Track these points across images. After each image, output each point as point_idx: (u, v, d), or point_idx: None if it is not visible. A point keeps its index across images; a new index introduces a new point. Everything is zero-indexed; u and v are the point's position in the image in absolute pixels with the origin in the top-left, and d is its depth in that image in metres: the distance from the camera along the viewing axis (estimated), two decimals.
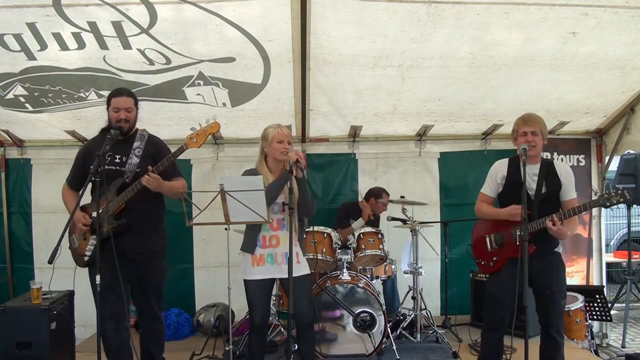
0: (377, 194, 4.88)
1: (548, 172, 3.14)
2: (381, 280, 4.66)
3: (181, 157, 5.24)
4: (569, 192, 3.15)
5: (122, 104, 3.16)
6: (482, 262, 3.36)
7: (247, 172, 3.21)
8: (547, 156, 5.20)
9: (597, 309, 4.52)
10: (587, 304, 4.44)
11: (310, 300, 3.23)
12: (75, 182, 3.25)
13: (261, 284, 3.12)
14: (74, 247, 3.25)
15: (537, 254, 3.09)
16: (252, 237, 3.14)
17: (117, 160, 3.16)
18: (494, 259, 3.27)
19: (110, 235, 2.96)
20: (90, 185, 2.91)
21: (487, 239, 3.31)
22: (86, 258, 3.14)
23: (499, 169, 3.29)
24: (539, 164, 3.17)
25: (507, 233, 3.21)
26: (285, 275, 3.05)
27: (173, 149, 4.69)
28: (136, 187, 3.05)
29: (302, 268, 3.18)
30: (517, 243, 3.09)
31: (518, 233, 3.12)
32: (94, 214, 3.07)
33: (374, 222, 4.88)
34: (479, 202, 3.38)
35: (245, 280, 3.15)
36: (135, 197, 3.09)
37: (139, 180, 3.02)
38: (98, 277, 2.78)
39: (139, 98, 4.10)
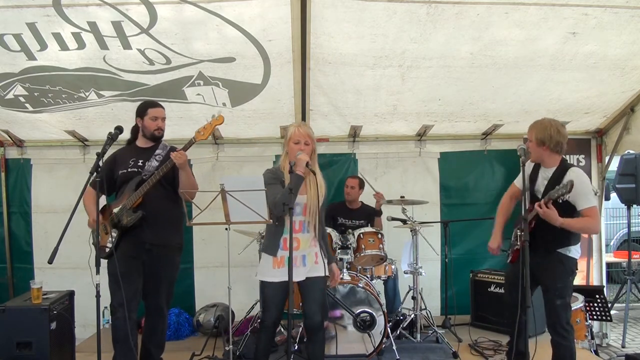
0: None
1: (556, 177, 3.14)
2: (382, 280, 4.65)
3: None
4: (579, 201, 3.07)
5: (159, 113, 3.51)
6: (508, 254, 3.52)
7: (269, 171, 3.17)
8: None
9: (597, 309, 4.53)
10: (587, 304, 4.44)
11: (321, 303, 3.14)
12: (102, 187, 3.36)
13: (278, 287, 3.04)
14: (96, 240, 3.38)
15: (539, 253, 3.13)
16: (274, 239, 3.08)
17: (140, 164, 3.45)
18: (512, 250, 3.44)
19: (129, 226, 3.33)
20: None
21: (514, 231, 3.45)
22: (107, 249, 3.33)
23: (527, 169, 3.33)
24: (554, 167, 3.19)
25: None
26: (301, 279, 3.07)
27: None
28: (152, 180, 3.31)
29: (319, 269, 3.10)
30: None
31: (518, 233, 3.15)
32: (115, 210, 3.39)
33: (368, 215, 4.86)
34: (506, 193, 3.54)
35: (262, 281, 3.12)
36: (152, 193, 3.35)
37: (156, 172, 3.32)
38: (98, 277, 2.88)
39: (139, 98, 4.16)
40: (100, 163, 3.00)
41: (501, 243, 3.44)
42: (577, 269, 3.26)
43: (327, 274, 3.16)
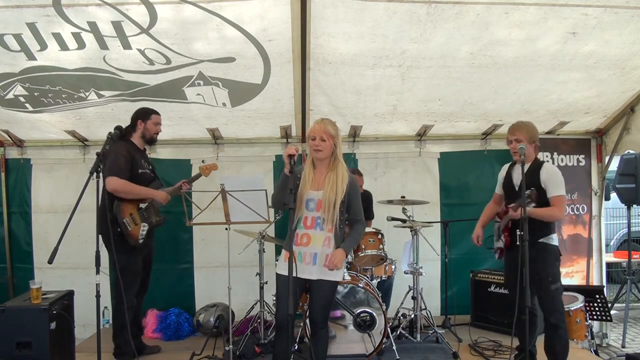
0: None
1: (534, 171, 3.42)
2: (383, 279, 4.64)
3: (181, 157, 5.35)
4: (550, 190, 3.37)
5: (160, 120, 3.99)
6: (494, 251, 3.78)
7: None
8: (547, 156, 5.23)
9: (597, 309, 4.53)
10: (587, 304, 4.44)
11: (323, 306, 3.11)
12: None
13: (287, 280, 2.90)
14: (128, 230, 3.70)
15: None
16: (291, 234, 3.01)
17: (147, 166, 3.94)
18: (498, 249, 3.73)
19: (158, 225, 3.97)
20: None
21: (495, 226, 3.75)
22: (141, 240, 3.78)
23: (502, 171, 3.73)
24: (530, 164, 3.46)
25: (501, 225, 3.63)
26: (311, 277, 3.03)
27: (173, 149, 5.14)
28: (176, 190, 4.03)
29: (329, 273, 3.03)
30: (504, 235, 3.57)
31: (518, 233, 3.21)
32: (142, 206, 3.84)
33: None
34: (489, 203, 3.87)
35: (276, 274, 3.12)
36: None
37: (179, 186, 4.09)
38: (98, 277, 2.97)
39: (139, 98, 4.17)
40: (100, 164, 3.07)
41: (481, 234, 3.76)
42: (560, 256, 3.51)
43: (338, 279, 3.14)
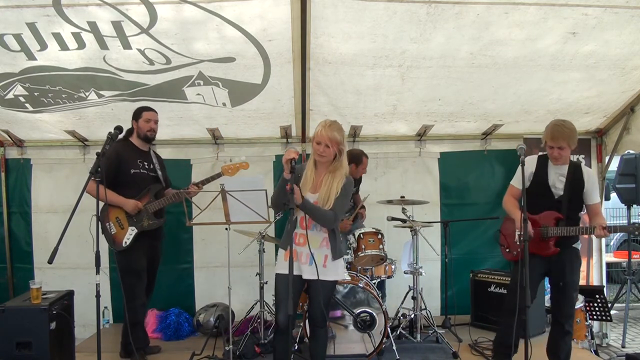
0: (357, 159, 4.61)
1: (574, 175, 3.34)
2: (383, 279, 4.64)
3: (181, 157, 5.33)
4: (593, 196, 3.35)
5: (153, 116, 3.91)
6: (507, 250, 3.67)
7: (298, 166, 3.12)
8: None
9: (597, 309, 4.53)
10: (587, 304, 4.45)
11: (322, 305, 3.11)
12: (110, 182, 3.64)
13: (287, 280, 2.86)
14: (111, 232, 3.75)
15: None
16: (289, 234, 3.00)
17: (147, 167, 3.90)
18: (519, 250, 3.46)
19: (150, 229, 3.81)
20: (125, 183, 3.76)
21: (517, 232, 3.45)
22: (125, 244, 3.74)
23: (529, 164, 3.45)
24: (567, 165, 3.38)
25: (536, 231, 3.36)
26: (308, 277, 3.04)
27: (173, 149, 5.09)
28: (178, 196, 3.84)
29: (327, 273, 3.07)
30: (542, 242, 3.35)
31: (519, 233, 3.19)
32: (148, 204, 3.82)
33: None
34: (507, 194, 3.61)
35: (275, 275, 3.12)
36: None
37: (183, 190, 3.81)
38: (98, 277, 2.96)
39: (139, 98, 4.16)
40: (100, 163, 3.04)
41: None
42: None
43: (338, 278, 3.18)
